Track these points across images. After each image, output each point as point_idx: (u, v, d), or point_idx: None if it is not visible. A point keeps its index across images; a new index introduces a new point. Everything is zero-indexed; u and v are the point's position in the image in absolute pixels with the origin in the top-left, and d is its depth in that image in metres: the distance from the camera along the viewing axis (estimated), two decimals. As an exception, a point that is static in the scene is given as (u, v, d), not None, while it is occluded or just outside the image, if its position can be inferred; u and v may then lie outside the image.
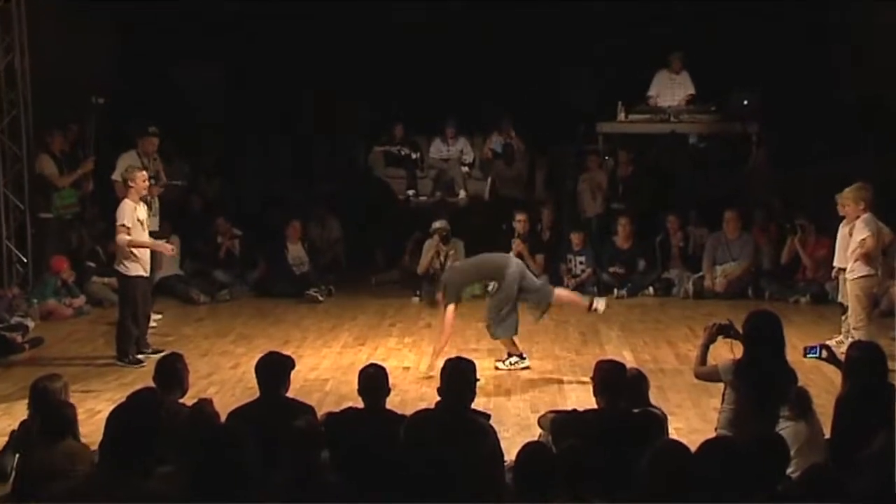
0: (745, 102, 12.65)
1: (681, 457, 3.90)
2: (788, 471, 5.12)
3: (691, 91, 12.99)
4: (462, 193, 13.46)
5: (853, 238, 8.14)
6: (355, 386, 5.34)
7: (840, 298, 8.71)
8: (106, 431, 4.55)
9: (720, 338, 5.54)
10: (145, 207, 8.48)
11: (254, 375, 5.22)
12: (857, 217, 8.15)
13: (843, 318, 8.61)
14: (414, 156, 13.73)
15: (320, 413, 5.54)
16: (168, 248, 8.76)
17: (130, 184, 8.29)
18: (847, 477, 3.91)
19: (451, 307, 7.99)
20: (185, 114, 13.22)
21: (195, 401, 5.42)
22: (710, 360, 5.62)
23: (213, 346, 8.95)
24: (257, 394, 5.35)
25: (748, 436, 4.64)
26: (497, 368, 8.10)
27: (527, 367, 8.15)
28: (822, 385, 6.92)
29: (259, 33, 13.41)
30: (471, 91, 13.40)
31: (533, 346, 8.81)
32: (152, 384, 5.40)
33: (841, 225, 8.61)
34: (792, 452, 5.23)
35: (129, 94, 12.60)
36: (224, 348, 8.89)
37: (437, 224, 11.17)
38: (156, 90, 13.03)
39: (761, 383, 5.25)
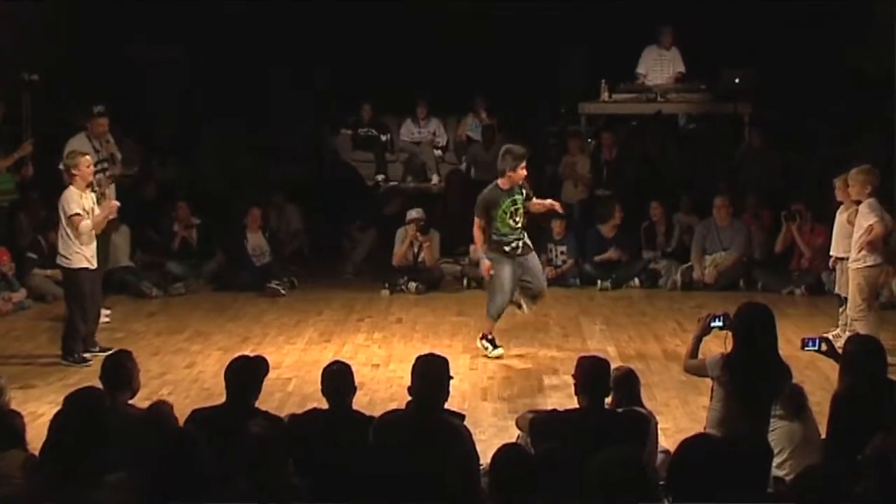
0: (738, 81, 12.70)
1: (630, 467, 3.81)
2: (782, 473, 5.18)
3: (681, 69, 13.02)
4: (435, 178, 13.45)
5: (857, 224, 8.14)
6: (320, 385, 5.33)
7: (837, 289, 8.76)
8: (48, 436, 4.51)
9: (715, 329, 5.55)
10: (92, 195, 8.39)
11: (210, 375, 5.21)
12: (860, 202, 8.13)
13: (841, 310, 8.66)
14: (383, 138, 13.70)
15: (283, 415, 5.53)
16: (114, 204, 8.52)
17: (74, 171, 8.18)
18: (845, 479, 3.93)
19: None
20: (137, 93, 13.12)
21: (150, 402, 5.39)
22: (702, 355, 5.64)
23: (165, 344, 8.89)
24: (214, 395, 5.34)
25: (728, 434, 4.67)
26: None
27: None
28: (818, 382, 6.98)
29: (221, 9, 13.31)
30: (443, 69, 13.36)
31: (511, 341, 8.83)
32: (99, 384, 5.36)
33: (838, 211, 8.65)
34: (786, 454, 5.30)
35: (77, 72, 12.47)
36: (178, 346, 8.84)
37: (413, 213, 11.15)
38: (107, 68, 12.91)
39: (751, 379, 5.27)
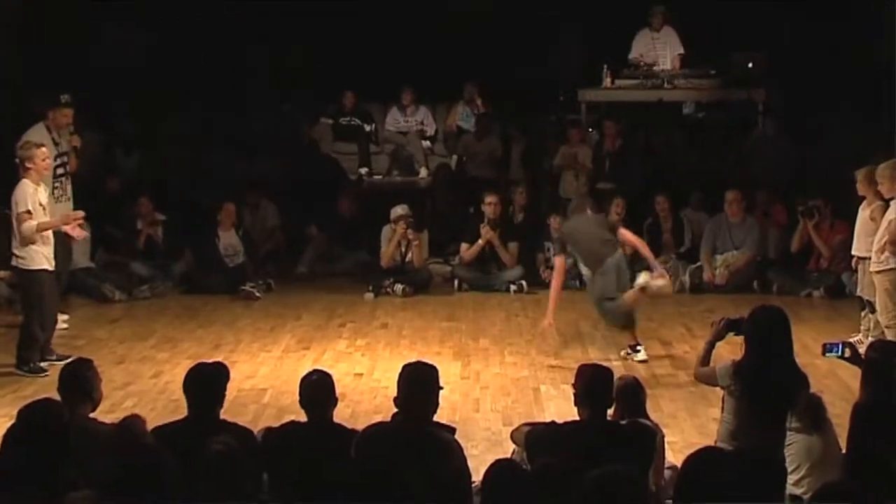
0: (751, 65, 12.71)
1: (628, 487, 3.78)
2: (800, 491, 5.19)
3: (680, 50, 13.02)
4: (423, 172, 13.44)
5: (884, 219, 8.12)
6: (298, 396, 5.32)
7: (859, 291, 8.78)
8: (1, 452, 4.50)
9: (731, 334, 5.54)
10: (46, 190, 8.36)
11: (178, 386, 5.19)
12: (892, 197, 8.08)
13: (863, 314, 8.69)
14: (367, 128, 13.69)
15: (258, 428, 5.52)
16: (80, 231, 8.64)
17: (28, 164, 8.16)
18: (868, 497, 3.94)
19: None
20: (97, 80, 13.07)
21: (117, 416, 5.37)
22: (714, 362, 5.64)
23: (130, 352, 8.88)
24: (182, 407, 5.32)
25: (740, 448, 4.67)
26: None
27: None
28: (838, 391, 7.00)
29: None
30: (432, 52, 13.34)
31: (506, 348, 8.88)
32: (56, 396, 5.34)
33: (861, 207, 8.66)
34: (803, 470, 5.31)
35: (31, 55, 12.43)
36: (143, 354, 8.83)
37: (399, 210, 11.14)
38: (65, 50, 12.87)
39: (765, 389, 5.27)
